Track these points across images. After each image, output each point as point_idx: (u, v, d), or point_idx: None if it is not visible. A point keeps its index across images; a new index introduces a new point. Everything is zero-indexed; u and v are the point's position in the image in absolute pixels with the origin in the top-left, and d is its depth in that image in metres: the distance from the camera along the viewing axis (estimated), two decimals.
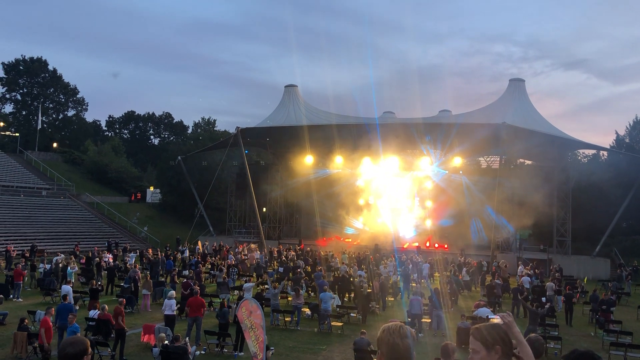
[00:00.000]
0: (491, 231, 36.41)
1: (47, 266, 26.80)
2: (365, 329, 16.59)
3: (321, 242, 43.28)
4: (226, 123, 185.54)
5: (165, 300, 17.63)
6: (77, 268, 26.44)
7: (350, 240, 43.99)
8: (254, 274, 29.81)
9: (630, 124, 55.51)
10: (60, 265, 26.64)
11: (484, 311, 18.50)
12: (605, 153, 51.03)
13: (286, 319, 19.90)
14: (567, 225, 38.88)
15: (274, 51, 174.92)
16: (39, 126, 65.19)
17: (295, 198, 46.86)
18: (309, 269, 30.30)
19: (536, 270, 31.65)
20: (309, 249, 39.10)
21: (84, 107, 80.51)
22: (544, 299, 22.54)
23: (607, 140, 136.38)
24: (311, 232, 47.09)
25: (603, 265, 36.92)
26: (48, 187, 51.74)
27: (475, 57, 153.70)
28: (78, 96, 79.44)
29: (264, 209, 47.85)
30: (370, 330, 17.90)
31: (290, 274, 28.64)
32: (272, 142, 48.93)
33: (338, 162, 44.91)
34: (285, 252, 35.77)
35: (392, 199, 44.57)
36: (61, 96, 77.82)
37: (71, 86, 78.26)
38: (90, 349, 3.61)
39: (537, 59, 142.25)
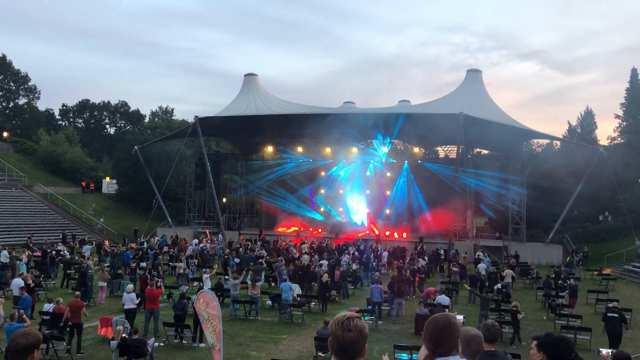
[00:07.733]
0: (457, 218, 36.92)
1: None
2: (326, 317, 16.71)
3: (282, 232, 43.27)
4: (184, 112, 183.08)
5: (125, 294, 17.32)
6: (25, 259, 25.72)
7: (311, 229, 44.09)
8: (218, 264, 29.73)
9: (581, 115, 57.15)
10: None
11: (443, 299, 18.94)
12: (558, 143, 52.55)
13: (246, 310, 19.85)
14: (522, 213, 39.92)
15: (233, 39, 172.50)
16: None
17: (255, 188, 46.55)
18: (269, 259, 30.28)
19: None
20: (268, 239, 38.98)
21: (36, 95, 77.49)
22: (499, 286, 23.14)
23: (561, 130, 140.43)
24: (272, 222, 46.96)
25: (555, 251, 38.11)
26: None
27: (433, 47, 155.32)
28: (30, 84, 76.55)
29: (224, 199, 47.38)
30: (332, 319, 18.05)
31: (252, 264, 28.53)
32: (232, 132, 48.34)
33: (299, 152, 44.81)
34: (245, 244, 35.57)
35: (352, 188, 44.86)
36: (11, 84, 74.83)
37: (22, 73, 75.33)
38: (41, 343, 3.51)
39: (493, 49, 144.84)
